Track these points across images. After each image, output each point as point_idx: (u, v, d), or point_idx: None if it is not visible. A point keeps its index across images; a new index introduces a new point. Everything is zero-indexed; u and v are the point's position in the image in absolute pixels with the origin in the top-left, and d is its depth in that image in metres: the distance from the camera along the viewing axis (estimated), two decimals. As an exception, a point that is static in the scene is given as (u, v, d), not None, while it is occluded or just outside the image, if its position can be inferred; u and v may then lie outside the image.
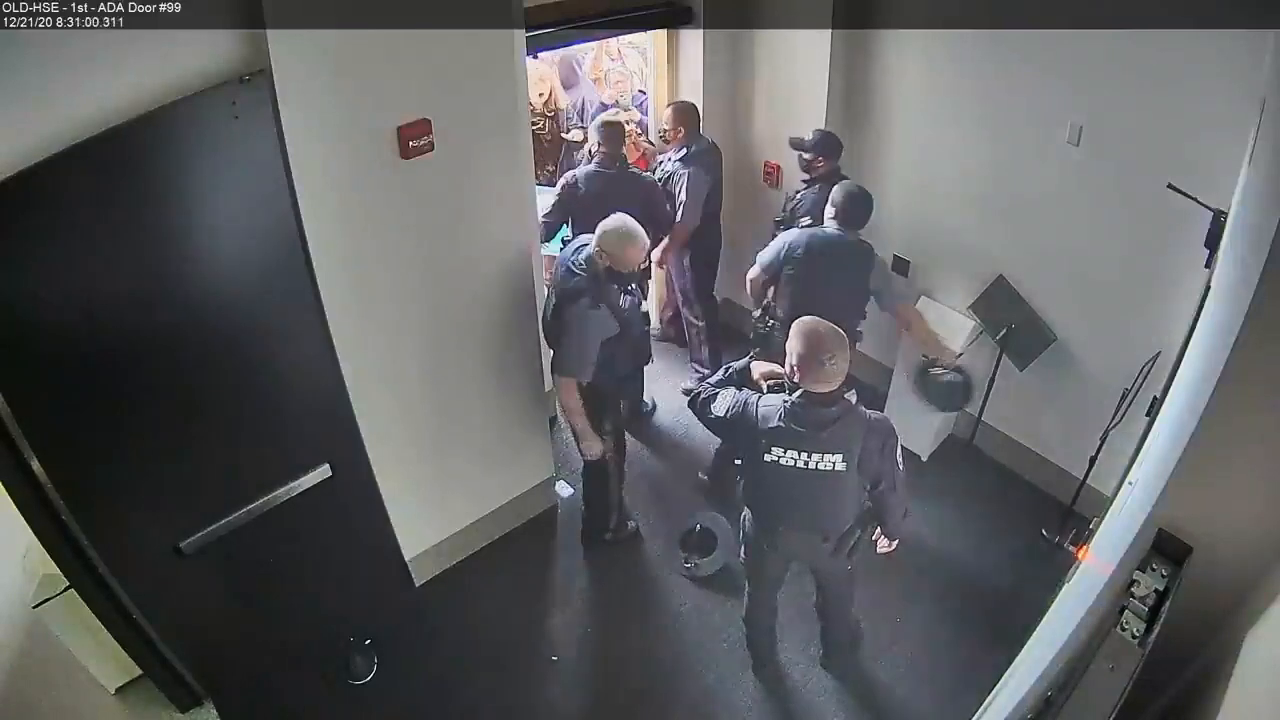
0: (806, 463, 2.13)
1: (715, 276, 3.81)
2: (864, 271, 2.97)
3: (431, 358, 2.67)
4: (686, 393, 2.74)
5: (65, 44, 1.62)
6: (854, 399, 2.20)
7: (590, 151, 3.41)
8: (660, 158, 3.59)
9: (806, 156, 3.27)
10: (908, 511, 2.35)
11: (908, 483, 2.28)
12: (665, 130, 3.48)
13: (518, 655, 2.85)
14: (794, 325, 2.17)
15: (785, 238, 3.01)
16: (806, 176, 3.29)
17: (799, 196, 3.29)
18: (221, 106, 1.85)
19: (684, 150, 3.44)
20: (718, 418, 2.26)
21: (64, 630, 2.37)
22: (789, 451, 2.14)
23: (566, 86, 4.45)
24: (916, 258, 3.52)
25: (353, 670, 2.75)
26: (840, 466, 2.13)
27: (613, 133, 3.28)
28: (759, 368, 2.38)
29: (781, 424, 2.13)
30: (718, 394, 2.29)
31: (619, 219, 2.57)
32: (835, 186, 2.99)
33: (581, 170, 3.31)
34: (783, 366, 2.23)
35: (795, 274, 2.96)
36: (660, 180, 3.47)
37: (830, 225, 2.95)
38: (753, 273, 3.10)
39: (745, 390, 2.28)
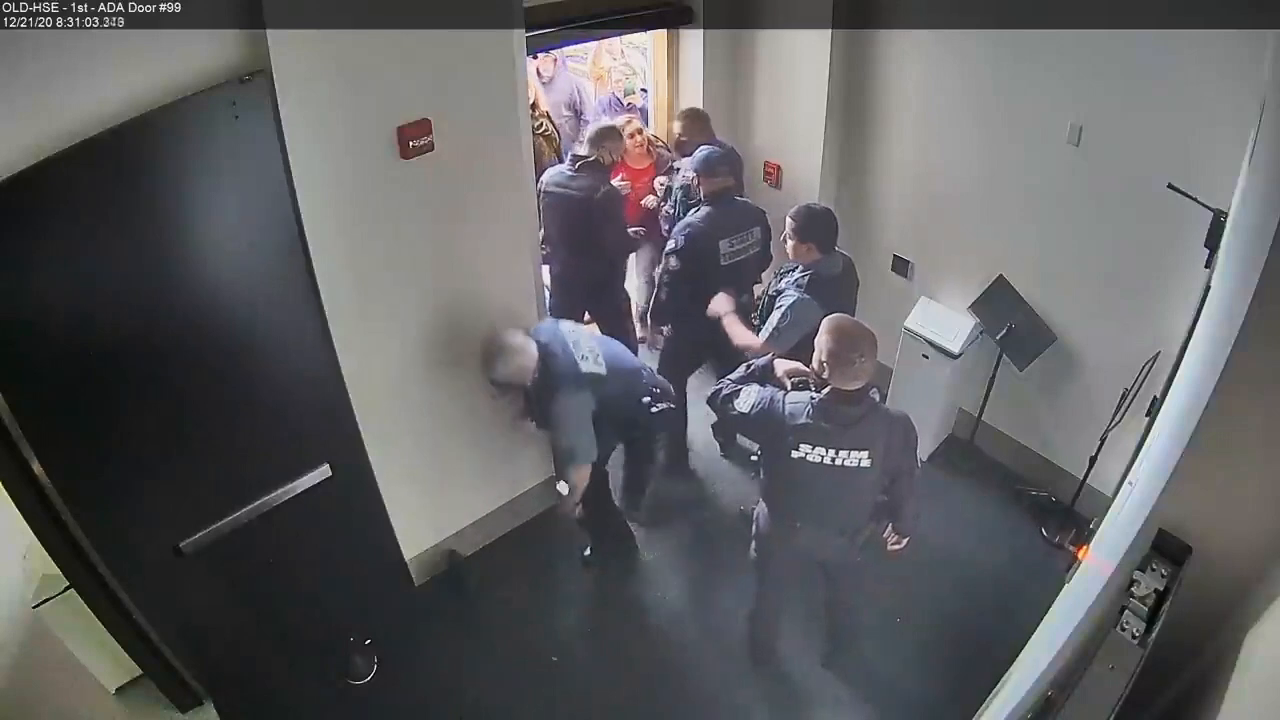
0: (833, 459, 2.14)
1: None
2: (855, 290, 2.95)
3: (432, 357, 2.67)
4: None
5: (65, 44, 1.62)
6: (877, 396, 2.20)
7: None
8: (678, 165, 3.52)
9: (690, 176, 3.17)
10: (919, 511, 2.35)
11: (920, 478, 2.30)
12: (681, 141, 3.43)
13: (518, 655, 2.85)
14: (824, 322, 2.18)
15: (789, 309, 2.72)
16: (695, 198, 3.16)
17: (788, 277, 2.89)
18: (221, 106, 1.85)
19: None
20: (741, 414, 2.25)
21: (64, 630, 2.37)
22: (816, 448, 2.15)
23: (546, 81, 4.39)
24: (916, 258, 3.52)
25: (353, 670, 2.74)
26: (865, 463, 2.15)
27: (596, 136, 3.20)
28: (782, 365, 2.37)
29: (810, 421, 2.14)
30: (740, 390, 2.28)
31: None
32: (796, 210, 2.78)
33: (551, 172, 3.24)
34: (805, 365, 2.24)
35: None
36: (682, 187, 3.42)
37: (812, 264, 2.77)
38: (766, 344, 2.74)
39: (769, 387, 2.28)
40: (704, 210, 3.04)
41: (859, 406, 2.13)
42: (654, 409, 2.70)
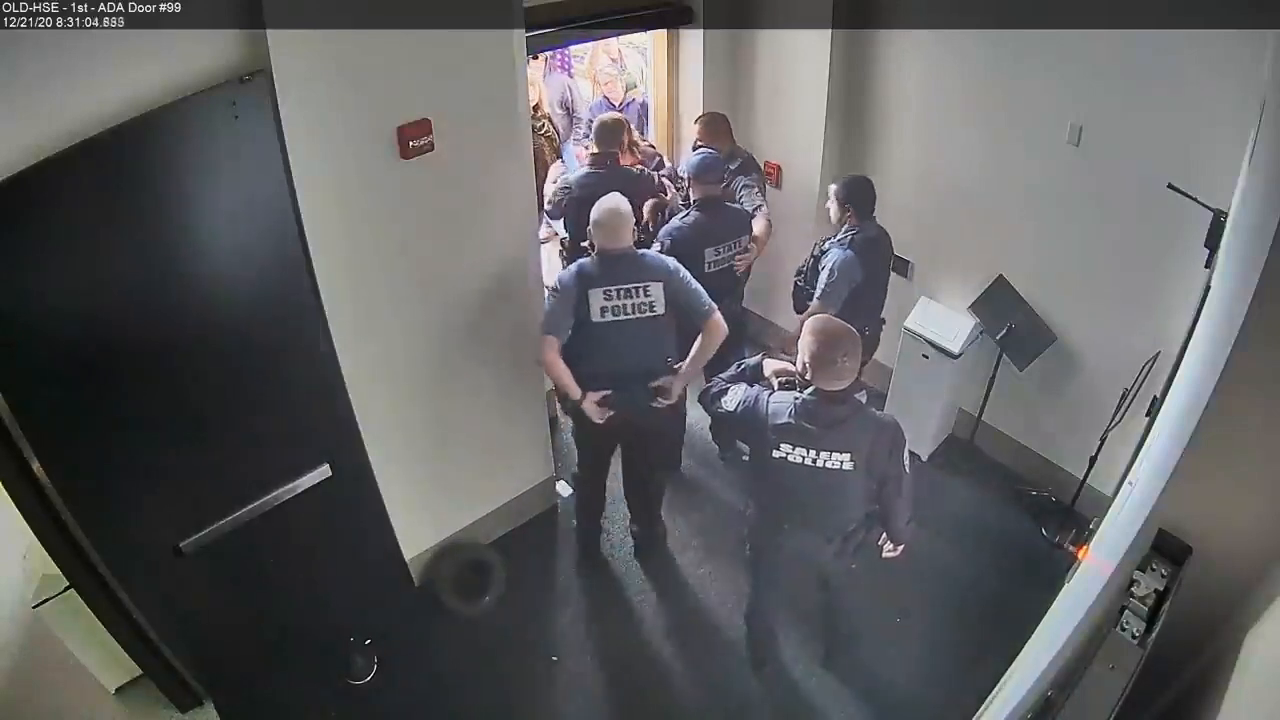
0: (814, 460, 2.14)
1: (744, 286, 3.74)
2: (890, 256, 3.11)
3: (432, 357, 2.67)
4: None
5: (65, 44, 1.62)
6: (864, 399, 2.20)
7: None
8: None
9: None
10: (912, 516, 2.34)
11: (911, 484, 2.28)
12: (700, 146, 3.36)
13: (518, 655, 2.85)
14: (808, 323, 2.18)
15: (834, 266, 2.89)
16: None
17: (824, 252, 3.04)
18: (221, 106, 1.85)
19: (738, 161, 3.39)
20: (727, 412, 2.26)
21: (64, 630, 2.37)
22: (797, 448, 2.14)
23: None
24: (916, 258, 3.52)
25: (353, 670, 2.74)
26: (848, 466, 2.13)
27: (604, 132, 3.25)
28: (771, 365, 2.38)
29: (791, 421, 2.14)
30: (729, 389, 2.29)
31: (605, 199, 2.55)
32: (840, 180, 3.00)
33: (574, 175, 3.28)
34: (795, 365, 2.24)
35: (857, 291, 2.93)
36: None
37: (853, 226, 2.95)
38: (819, 304, 2.88)
39: (757, 386, 2.28)
40: (693, 215, 3.05)
41: (843, 407, 2.12)
42: (654, 404, 2.63)
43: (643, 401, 2.62)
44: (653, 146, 3.83)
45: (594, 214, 2.53)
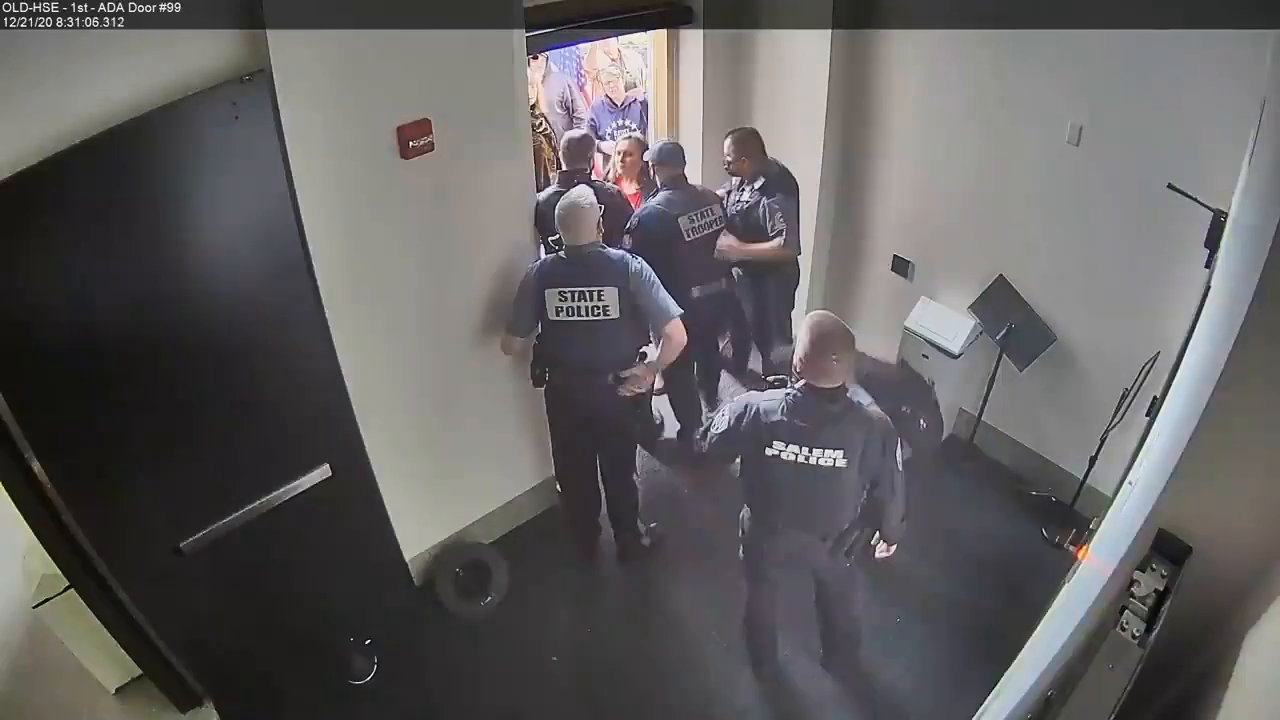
0: (807, 458, 2.13)
1: (793, 308, 3.68)
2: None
3: (432, 357, 2.68)
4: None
5: (65, 44, 1.62)
6: (855, 397, 2.20)
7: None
8: (726, 191, 3.43)
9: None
10: (905, 515, 2.34)
11: (906, 483, 2.28)
12: (729, 162, 3.33)
13: (518, 655, 2.85)
14: (807, 318, 2.18)
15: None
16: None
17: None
18: (221, 106, 1.85)
19: (760, 180, 3.30)
20: (722, 432, 2.24)
21: (64, 630, 2.37)
22: (790, 446, 2.14)
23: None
24: (916, 258, 3.52)
25: (353, 670, 2.74)
26: (840, 463, 2.13)
27: (571, 149, 3.22)
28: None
29: (784, 418, 2.13)
30: (713, 419, 2.29)
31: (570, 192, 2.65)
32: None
33: (543, 194, 3.19)
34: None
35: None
36: (737, 212, 3.35)
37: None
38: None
39: (740, 396, 2.29)
40: (661, 193, 3.19)
41: (835, 405, 2.12)
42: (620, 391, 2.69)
43: (603, 388, 2.68)
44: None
45: (558, 210, 2.60)
